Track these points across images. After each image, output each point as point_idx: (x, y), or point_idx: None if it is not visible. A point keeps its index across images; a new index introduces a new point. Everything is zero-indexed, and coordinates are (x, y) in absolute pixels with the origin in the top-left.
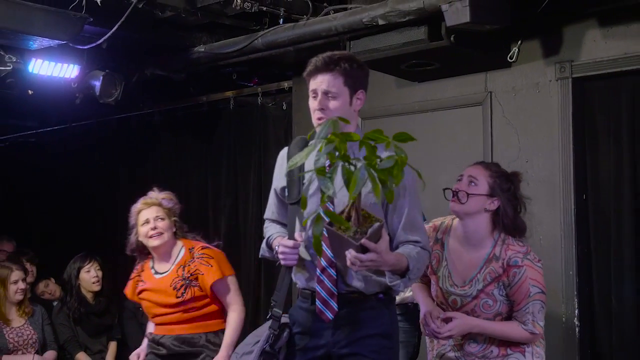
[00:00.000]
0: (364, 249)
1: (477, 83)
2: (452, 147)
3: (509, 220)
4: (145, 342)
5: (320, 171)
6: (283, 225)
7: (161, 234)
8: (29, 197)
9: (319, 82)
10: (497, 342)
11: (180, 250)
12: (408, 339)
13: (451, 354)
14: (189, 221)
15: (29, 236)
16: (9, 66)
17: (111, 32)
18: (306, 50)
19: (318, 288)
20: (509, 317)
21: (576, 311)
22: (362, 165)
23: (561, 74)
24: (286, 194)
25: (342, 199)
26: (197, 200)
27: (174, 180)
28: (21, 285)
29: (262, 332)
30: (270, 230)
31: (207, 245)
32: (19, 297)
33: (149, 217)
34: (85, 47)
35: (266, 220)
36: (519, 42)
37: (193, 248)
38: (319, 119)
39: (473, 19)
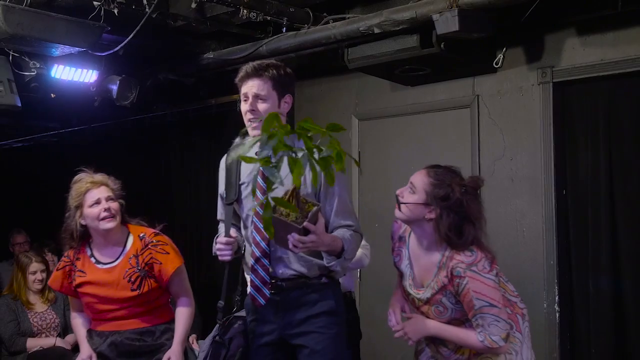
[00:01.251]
0: (305, 232)
1: (465, 87)
2: (443, 146)
3: (445, 231)
4: (84, 342)
5: (266, 161)
6: (233, 224)
7: (114, 216)
8: (52, 191)
9: (250, 87)
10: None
11: (127, 237)
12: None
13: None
14: (198, 213)
15: (52, 228)
16: (33, 72)
17: (127, 40)
18: (307, 57)
19: (252, 276)
20: (467, 321)
21: (556, 298)
22: (304, 154)
23: (543, 79)
24: (224, 196)
25: (279, 189)
26: (206, 194)
27: (184, 176)
28: (39, 276)
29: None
30: (220, 230)
31: (157, 231)
32: (37, 286)
33: (100, 197)
34: (103, 54)
35: (219, 221)
36: (504, 49)
37: (144, 235)
38: (250, 120)
39: (461, 28)
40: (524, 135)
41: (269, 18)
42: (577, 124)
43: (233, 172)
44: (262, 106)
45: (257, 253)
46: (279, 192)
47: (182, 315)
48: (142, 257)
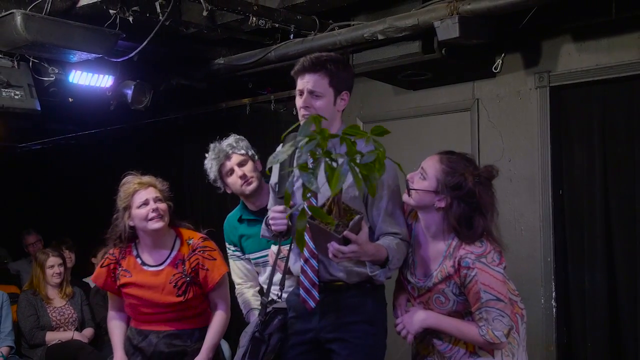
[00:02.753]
0: (345, 241)
1: (466, 91)
2: (444, 147)
3: (455, 221)
4: (119, 348)
5: (303, 167)
6: None
7: (162, 217)
8: (69, 191)
9: (306, 82)
10: (463, 341)
11: (175, 240)
12: None
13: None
14: (209, 215)
15: (70, 226)
16: (52, 77)
17: (142, 46)
18: None
19: (302, 278)
20: (468, 314)
21: (553, 294)
22: (345, 160)
23: (540, 83)
24: (276, 189)
25: (324, 193)
26: (217, 197)
27: (196, 178)
28: (57, 270)
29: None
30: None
31: (204, 235)
32: (56, 280)
33: (148, 197)
34: (119, 60)
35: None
36: (503, 54)
37: (191, 239)
38: (304, 116)
39: (462, 34)
40: (522, 137)
41: (277, 25)
42: (573, 127)
43: (286, 164)
44: (317, 103)
45: (306, 254)
46: (321, 198)
47: (218, 322)
48: (189, 263)
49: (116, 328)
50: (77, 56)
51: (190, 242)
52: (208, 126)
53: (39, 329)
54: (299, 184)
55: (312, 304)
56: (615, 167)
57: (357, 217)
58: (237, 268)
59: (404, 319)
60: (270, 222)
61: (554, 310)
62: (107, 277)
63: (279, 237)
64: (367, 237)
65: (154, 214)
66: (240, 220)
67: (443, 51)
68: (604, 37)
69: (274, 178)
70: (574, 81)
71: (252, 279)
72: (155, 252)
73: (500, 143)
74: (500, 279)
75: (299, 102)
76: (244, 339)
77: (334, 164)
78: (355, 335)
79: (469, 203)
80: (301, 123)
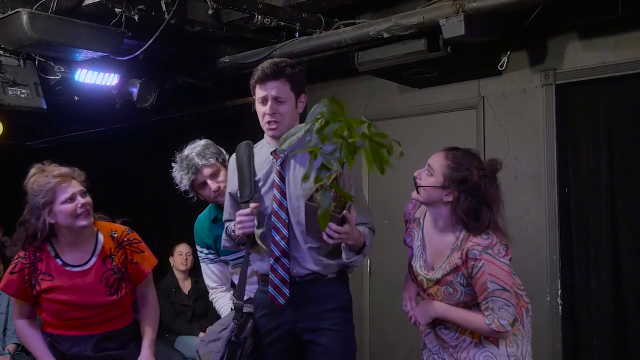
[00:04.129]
0: (341, 222)
1: (471, 89)
2: (449, 145)
3: (463, 214)
4: (47, 354)
5: (313, 150)
6: None
7: (89, 212)
8: None
9: (269, 89)
10: (469, 331)
11: (96, 235)
12: None
13: (432, 343)
14: None
15: None
16: (58, 75)
17: (147, 45)
18: (319, 60)
19: (271, 276)
20: (475, 306)
21: (559, 291)
22: (360, 138)
23: (546, 81)
24: (238, 195)
25: (296, 184)
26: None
27: None
28: None
29: (228, 321)
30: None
31: (127, 227)
32: None
33: (75, 192)
34: (124, 58)
35: (226, 222)
36: (508, 52)
37: (115, 232)
38: (269, 122)
39: (467, 32)
40: (528, 135)
41: (282, 23)
42: (579, 124)
43: (245, 169)
44: (282, 108)
45: (277, 252)
46: (309, 183)
47: (153, 314)
48: (117, 258)
49: (35, 336)
50: (82, 55)
51: (114, 235)
52: (213, 124)
53: None
54: (265, 188)
55: (281, 301)
56: (621, 164)
57: (352, 199)
58: (211, 272)
59: (416, 311)
60: (238, 226)
61: (560, 308)
62: (20, 283)
63: (242, 243)
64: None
65: (82, 210)
66: (215, 220)
67: (448, 49)
68: (610, 34)
69: (233, 186)
70: (580, 79)
71: (226, 282)
72: (76, 250)
73: (506, 141)
74: (506, 270)
75: (262, 109)
76: (214, 345)
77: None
78: (332, 322)
79: (475, 196)
80: (266, 131)
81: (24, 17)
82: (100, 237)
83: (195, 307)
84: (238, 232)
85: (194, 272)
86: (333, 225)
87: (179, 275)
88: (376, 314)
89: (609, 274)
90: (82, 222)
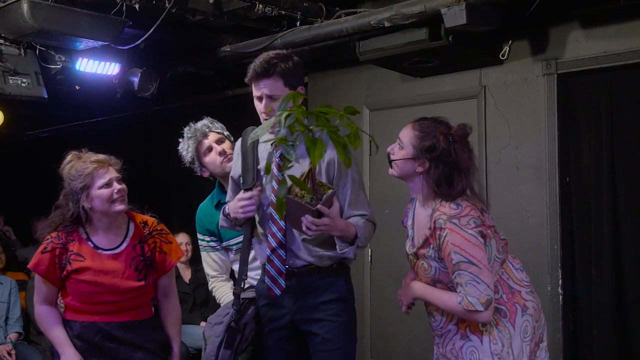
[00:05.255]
0: (319, 215)
1: (473, 78)
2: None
3: (434, 183)
4: (68, 344)
5: (282, 140)
6: None
7: (125, 198)
8: None
9: (262, 88)
10: (455, 321)
11: (127, 222)
12: None
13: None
14: None
15: None
16: (59, 65)
17: (148, 34)
18: (320, 50)
19: (268, 267)
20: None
21: (560, 281)
22: (324, 133)
23: (547, 70)
24: (241, 181)
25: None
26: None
27: None
28: None
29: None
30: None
31: (157, 219)
32: None
33: (111, 178)
34: (125, 48)
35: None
36: (510, 41)
37: (146, 222)
38: (266, 120)
39: (469, 21)
40: (529, 124)
41: (283, 12)
42: (580, 114)
43: (249, 156)
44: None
45: (274, 244)
46: (295, 173)
47: (177, 308)
48: (147, 245)
49: (57, 324)
50: (83, 44)
51: (145, 224)
52: (215, 113)
53: None
54: (266, 178)
55: (277, 292)
56: (622, 154)
57: (330, 191)
58: (212, 260)
59: (400, 292)
60: (240, 210)
61: (561, 298)
62: (51, 263)
63: (238, 224)
64: (338, 212)
65: (117, 195)
66: (218, 206)
67: (450, 38)
68: (612, 24)
69: (236, 170)
70: (582, 68)
71: (226, 270)
72: (109, 234)
73: (507, 130)
74: (473, 242)
75: (259, 106)
76: (218, 328)
77: (312, 135)
78: (330, 313)
79: (446, 163)
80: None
81: (25, 6)
82: (132, 224)
83: (196, 295)
84: (240, 215)
85: (194, 261)
86: (309, 217)
87: (179, 265)
88: (377, 303)
89: (610, 264)
90: (118, 207)
